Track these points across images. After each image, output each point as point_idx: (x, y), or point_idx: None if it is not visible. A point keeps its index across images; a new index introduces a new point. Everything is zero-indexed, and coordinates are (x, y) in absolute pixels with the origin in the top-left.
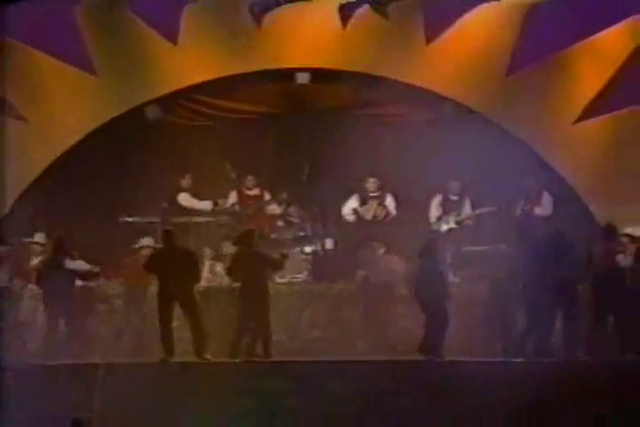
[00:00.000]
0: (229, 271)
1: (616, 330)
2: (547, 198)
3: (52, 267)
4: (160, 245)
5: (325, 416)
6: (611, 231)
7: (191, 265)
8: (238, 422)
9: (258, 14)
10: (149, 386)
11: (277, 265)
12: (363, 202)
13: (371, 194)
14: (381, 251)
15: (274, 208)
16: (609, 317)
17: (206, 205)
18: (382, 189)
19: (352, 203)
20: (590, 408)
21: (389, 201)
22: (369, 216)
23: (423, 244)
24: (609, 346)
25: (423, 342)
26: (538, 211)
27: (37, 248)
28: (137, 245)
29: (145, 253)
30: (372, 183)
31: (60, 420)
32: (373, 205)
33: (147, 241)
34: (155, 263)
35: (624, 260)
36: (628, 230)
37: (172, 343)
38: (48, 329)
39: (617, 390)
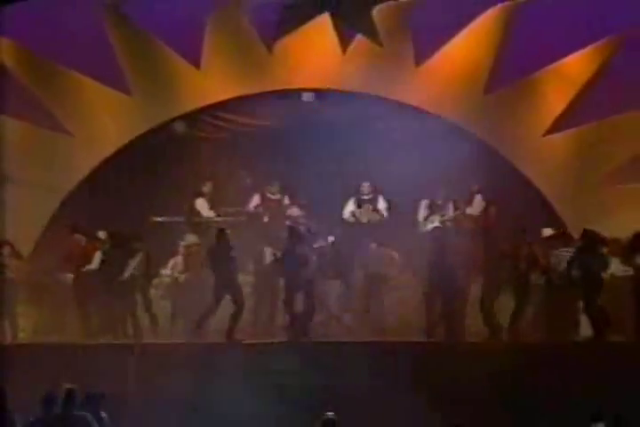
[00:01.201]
0: None
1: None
2: (478, 201)
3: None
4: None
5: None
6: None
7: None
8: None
9: (269, 42)
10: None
11: None
12: (359, 205)
13: (364, 197)
14: (374, 246)
15: (294, 211)
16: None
17: (210, 213)
18: (374, 192)
19: (350, 206)
20: None
21: (381, 204)
22: (364, 219)
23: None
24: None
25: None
26: (469, 211)
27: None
28: (183, 243)
29: (193, 249)
30: (365, 187)
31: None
32: (368, 209)
33: (192, 238)
34: (212, 260)
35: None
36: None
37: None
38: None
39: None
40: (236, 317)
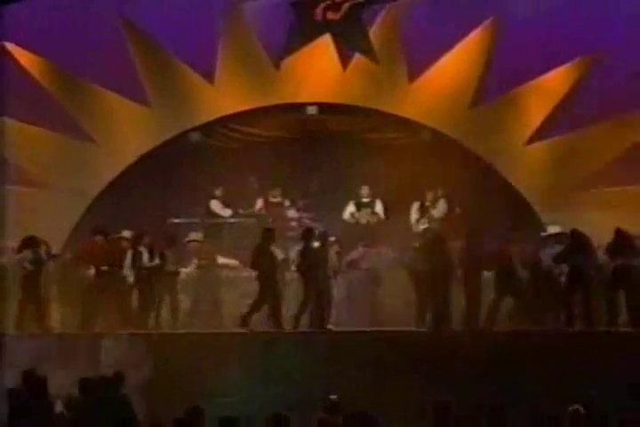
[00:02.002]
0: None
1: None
2: (442, 204)
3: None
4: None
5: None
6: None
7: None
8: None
9: (277, 61)
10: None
11: None
12: (358, 208)
13: (363, 200)
14: (369, 245)
15: (292, 213)
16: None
17: (227, 212)
18: (373, 195)
19: (350, 208)
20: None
21: (379, 207)
22: (364, 221)
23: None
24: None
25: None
26: (434, 212)
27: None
28: (187, 239)
29: (193, 245)
30: (364, 190)
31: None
32: (367, 212)
33: (194, 236)
34: (257, 259)
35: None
36: (565, 230)
37: (251, 318)
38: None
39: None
40: (276, 309)
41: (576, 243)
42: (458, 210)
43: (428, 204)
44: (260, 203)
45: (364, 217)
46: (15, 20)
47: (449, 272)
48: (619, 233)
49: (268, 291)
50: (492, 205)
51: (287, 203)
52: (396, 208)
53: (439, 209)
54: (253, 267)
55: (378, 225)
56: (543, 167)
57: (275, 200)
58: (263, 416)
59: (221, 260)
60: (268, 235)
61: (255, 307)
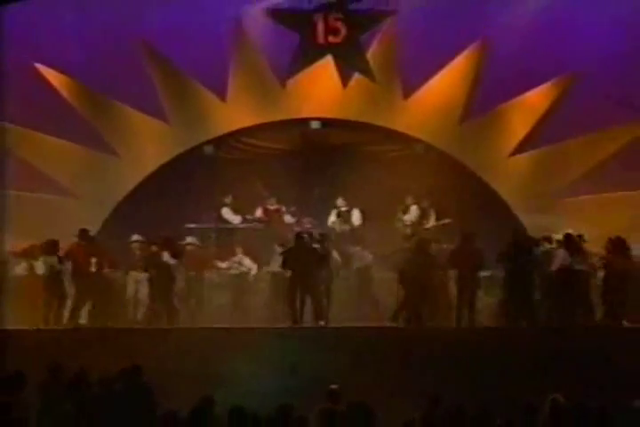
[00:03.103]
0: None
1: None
2: (414, 209)
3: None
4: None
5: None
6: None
7: (315, 259)
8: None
9: (282, 80)
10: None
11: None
12: (338, 216)
13: (342, 209)
14: (357, 248)
15: (288, 218)
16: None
17: (237, 218)
18: (350, 205)
19: (332, 217)
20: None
21: (356, 215)
22: (338, 229)
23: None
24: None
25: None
26: (406, 217)
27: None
28: (183, 242)
29: (190, 248)
30: (340, 201)
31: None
32: (341, 220)
33: (190, 240)
34: (289, 260)
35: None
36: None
37: (296, 314)
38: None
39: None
40: (319, 306)
41: (518, 244)
42: (447, 220)
43: (421, 210)
44: (259, 212)
45: (338, 225)
46: (49, 42)
47: (430, 273)
48: (568, 237)
49: (304, 288)
50: (477, 211)
51: (288, 209)
52: (388, 214)
53: (411, 214)
54: (285, 267)
55: (360, 230)
56: (526, 177)
57: (275, 207)
58: (270, 406)
59: (240, 260)
60: (299, 239)
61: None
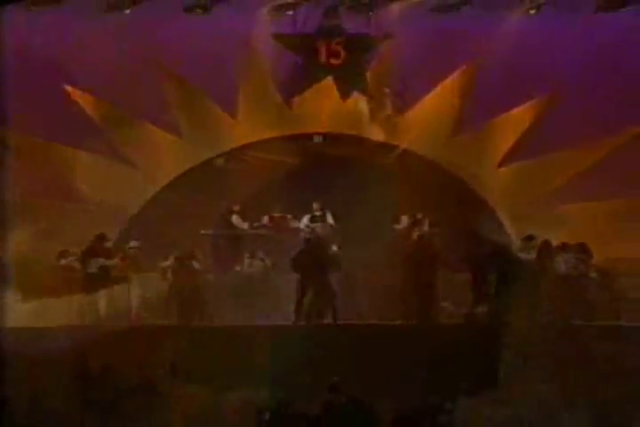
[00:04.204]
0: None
1: None
2: (404, 218)
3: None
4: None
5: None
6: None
7: (325, 261)
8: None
9: (288, 98)
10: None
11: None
12: (312, 220)
13: (316, 213)
14: (335, 248)
15: (293, 224)
16: None
17: (245, 225)
18: (323, 209)
19: (305, 220)
20: None
21: (329, 219)
22: (321, 232)
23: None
24: None
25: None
26: (397, 226)
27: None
28: (128, 246)
29: (132, 251)
30: (315, 206)
31: None
32: (315, 225)
33: (133, 244)
34: (299, 262)
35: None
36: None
37: (301, 313)
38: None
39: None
40: (331, 304)
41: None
42: (436, 230)
43: (419, 216)
44: (265, 219)
45: (316, 227)
46: (76, 64)
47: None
48: (544, 244)
49: (313, 288)
50: (465, 219)
51: (289, 216)
52: (381, 222)
53: (401, 223)
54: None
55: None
56: (512, 187)
57: (280, 215)
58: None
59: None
60: (309, 243)
61: (298, 302)
